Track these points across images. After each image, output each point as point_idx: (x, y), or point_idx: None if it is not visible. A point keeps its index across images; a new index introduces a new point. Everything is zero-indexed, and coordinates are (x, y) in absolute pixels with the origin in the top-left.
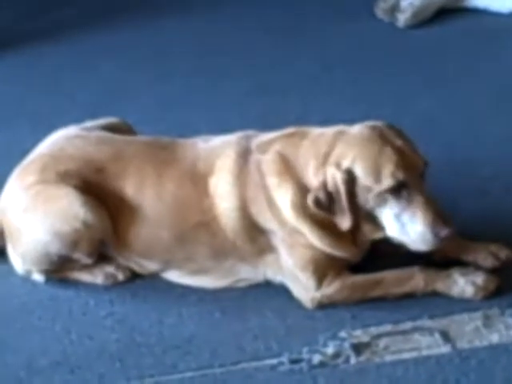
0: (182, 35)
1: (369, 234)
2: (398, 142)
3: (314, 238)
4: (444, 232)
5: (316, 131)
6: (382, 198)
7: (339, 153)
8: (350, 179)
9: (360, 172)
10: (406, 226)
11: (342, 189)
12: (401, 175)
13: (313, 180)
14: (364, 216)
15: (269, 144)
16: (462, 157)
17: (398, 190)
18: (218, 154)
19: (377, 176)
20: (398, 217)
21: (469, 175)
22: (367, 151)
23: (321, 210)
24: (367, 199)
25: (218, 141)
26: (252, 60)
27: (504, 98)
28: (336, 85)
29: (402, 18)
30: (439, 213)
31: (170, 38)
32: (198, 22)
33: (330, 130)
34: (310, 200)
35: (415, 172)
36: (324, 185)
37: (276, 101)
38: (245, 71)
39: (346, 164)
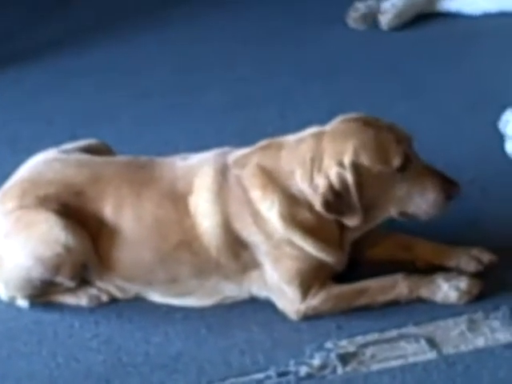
0: (158, 52)
1: (361, 227)
2: (384, 124)
3: (307, 245)
4: (454, 191)
5: (290, 139)
6: (390, 180)
7: (333, 151)
8: (358, 172)
9: (367, 161)
10: (417, 198)
11: (353, 185)
12: (405, 150)
13: (302, 187)
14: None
15: (246, 158)
16: (441, 161)
17: (404, 167)
18: (195, 172)
19: (385, 158)
20: (408, 192)
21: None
22: (365, 139)
23: (331, 213)
24: (376, 187)
25: (195, 159)
26: (228, 74)
27: (480, 101)
28: (313, 96)
29: (385, 20)
30: (443, 175)
31: (146, 55)
32: (174, 38)
33: (306, 135)
34: (318, 205)
35: (410, 144)
36: (330, 186)
37: (253, 114)
38: (221, 86)
39: (348, 159)
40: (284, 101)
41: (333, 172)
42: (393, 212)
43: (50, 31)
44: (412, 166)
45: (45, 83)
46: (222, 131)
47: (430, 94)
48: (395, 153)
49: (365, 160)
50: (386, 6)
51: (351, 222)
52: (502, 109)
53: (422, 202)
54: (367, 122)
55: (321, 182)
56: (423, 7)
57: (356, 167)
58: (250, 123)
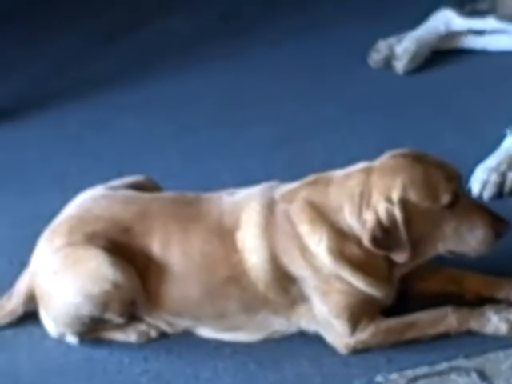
0: (204, 87)
1: (409, 264)
2: (434, 160)
3: (356, 280)
4: (504, 228)
5: (338, 174)
6: (439, 217)
7: (382, 187)
8: (406, 208)
9: (416, 197)
10: (466, 235)
11: (401, 221)
12: (454, 187)
13: (351, 222)
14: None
15: (294, 193)
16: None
17: (453, 204)
18: (242, 207)
19: (434, 195)
20: (456, 229)
21: (497, 210)
22: (414, 175)
23: (379, 249)
24: (424, 223)
25: (242, 194)
26: (272, 108)
27: None
28: (358, 129)
29: (400, 66)
30: (492, 212)
31: (192, 90)
32: (219, 74)
33: (354, 170)
34: (366, 241)
35: (459, 181)
36: (378, 222)
37: (299, 148)
38: (266, 120)
39: (397, 195)
40: (330, 134)
41: (381, 207)
42: (441, 249)
43: (96, 68)
44: (461, 203)
45: (91, 120)
46: (268, 165)
47: (478, 126)
48: (444, 190)
49: (413, 196)
50: (398, 51)
51: (399, 258)
52: None
53: (470, 240)
54: (416, 158)
55: (369, 217)
56: (439, 44)
57: (404, 203)
58: (296, 157)
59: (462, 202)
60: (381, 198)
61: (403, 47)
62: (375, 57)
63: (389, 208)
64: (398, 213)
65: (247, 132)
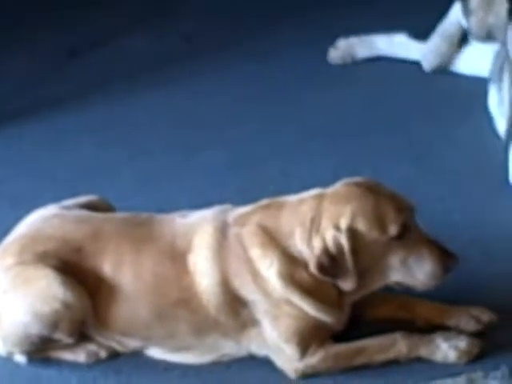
0: (160, 109)
1: (359, 292)
2: (386, 190)
3: (306, 305)
4: (451, 263)
5: (292, 199)
6: (386, 248)
7: (332, 214)
8: (354, 237)
9: (363, 227)
10: (413, 268)
11: (347, 249)
12: (403, 219)
13: (301, 247)
14: (359, 274)
15: (246, 217)
16: (442, 221)
17: (401, 235)
18: (195, 230)
19: (381, 226)
20: (404, 261)
21: (449, 240)
22: (364, 205)
23: (325, 275)
24: (371, 253)
25: (195, 217)
26: (229, 132)
27: (486, 163)
28: (315, 154)
29: (427, 63)
30: (441, 246)
31: (146, 112)
32: (176, 95)
33: (307, 196)
34: (313, 267)
35: (410, 214)
36: (326, 249)
37: (255, 172)
38: (222, 143)
39: (345, 223)
40: (286, 159)
41: (329, 235)
42: (389, 280)
43: (50, 89)
44: (410, 236)
45: (45, 140)
46: (224, 189)
47: (434, 155)
48: (393, 221)
49: (361, 226)
50: (424, 48)
51: (345, 285)
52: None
53: (418, 273)
54: (369, 188)
55: (317, 243)
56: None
57: (352, 232)
58: (251, 181)
59: (411, 234)
60: (329, 225)
61: (430, 44)
62: (333, 54)
63: (336, 236)
64: (344, 241)
65: (202, 155)
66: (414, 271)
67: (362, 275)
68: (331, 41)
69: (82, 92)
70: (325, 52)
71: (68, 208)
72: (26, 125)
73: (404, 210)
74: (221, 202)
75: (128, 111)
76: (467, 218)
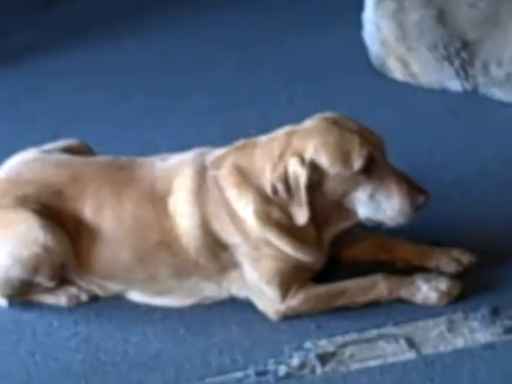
0: (141, 54)
1: (333, 227)
2: (354, 125)
3: (283, 244)
4: (421, 200)
5: (264, 138)
6: (353, 182)
7: (297, 147)
8: (316, 171)
9: (326, 161)
10: (382, 203)
11: (303, 183)
12: (368, 153)
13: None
14: (331, 208)
15: (222, 159)
16: (424, 163)
17: (368, 170)
18: (175, 173)
19: (345, 160)
20: (372, 196)
21: (430, 181)
22: (328, 139)
23: (278, 200)
24: (337, 187)
25: (174, 160)
26: (210, 76)
27: (465, 103)
28: (295, 97)
29: None
30: (412, 182)
31: (129, 57)
32: (156, 41)
33: (279, 133)
34: (267, 188)
35: (378, 148)
36: (284, 176)
37: (235, 116)
38: (203, 88)
39: (308, 156)
40: (266, 102)
41: (291, 165)
42: (359, 215)
43: (30, 36)
44: (378, 170)
45: (26, 86)
46: (204, 132)
47: (413, 98)
48: (357, 155)
49: (324, 159)
50: None
51: (298, 218)
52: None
53: (386, 208)
54: (335, 122)
55: (278, 169)
56: None
57: (314, 166)
58: (232, 125)
59: (380, 168)
60: (294, 156)
61: None
62: None
63: (297, 167)
64: (303, 174)
65: (183, 99)
66: (383, 206)
67: (335, 209)
68: None
69: (61, 38)
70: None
71: (48, 152)
72: (5, 71)
73: (371, 143)
74: (201, 145)
75: (108, 56)
76: (449, 159)
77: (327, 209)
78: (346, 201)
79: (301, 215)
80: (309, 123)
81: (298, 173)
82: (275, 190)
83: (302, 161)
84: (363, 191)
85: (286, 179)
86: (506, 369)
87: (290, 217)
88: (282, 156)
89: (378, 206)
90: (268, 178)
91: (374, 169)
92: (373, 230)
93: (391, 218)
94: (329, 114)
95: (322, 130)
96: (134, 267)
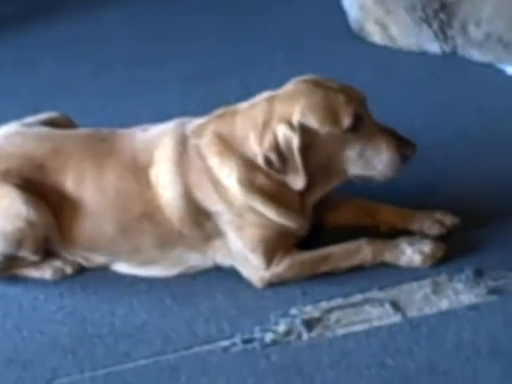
0: (120, 25)
1: (316, 192)
2: (335, 84)
3: (267, 210)
4: (409, 151)
5: (244, 105)
6: (342, 141)
7: (283, 112)
8: (306, 134)
9: (315, 122)
10: (371, 159)
11: (297, 147)
12: (355, 110)
13: (256, 151)
14: (317, 172)
15: (203, 127)
16: (403, 126)
17: (355, 127)
18: (156, 144)
19: (334, 119)
20: (361, 153)
21: None
22: (313, 100)
23: (273, 170)
24: (327, 148)
25: (155, 130)
26: (190, 46)
27: (444, 65)
28: (276, 65)
29: None
30: (398, 135)
31: (106, 28)
32: (136, 11)
33: (259, 99)
34: (260, 161)
35: (362, 105)
36: (275, 145)
37: (216, 84)
38: (184, 57)
39: (296, 120)
40: (247, 71)
41: (280, 132)
42: (348, 174)
43: (9, 8)
44: (365, 127)
45: (5, 59)
46: (185, 102)
47: (394, 63)
48: (344, 113)
49: (313, 121)
50: None
51: (295, 184)
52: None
53: (376, 163)
54: (317, 83)
55: (268, 139)
56: None
57: (303, 129)
58: (212, 93)
59: (366, 125)
60: (281, 122)
61: None
62: None
63: (287, 133)
64: (295, 138)
65: (164, 69)
66: (372, 162)
67: (322, 172)
68: None
69: (41, 10)
70: None
71: (29, 125)
72: None
73: (355, 100)
74: (183, 114)
75: (87, 27)
76: (428, 122)
77: (313, 173)
78: (335, 161)
79: (298, 180)
80: (289, 87)
81: (290, 138)
82: (269, 161)
83: (291, 125)
84: (352, 149)
85: (277, 147)
86: (490, 329)
87: (273, 183)
88: (266, 123)
89: (368, 162)
90: (257, 150)
91: (361, 126)
92: (355, 194)
93: (381, 173)
94: (307, 77)
95: (306, 93)
96: (118, 239)
